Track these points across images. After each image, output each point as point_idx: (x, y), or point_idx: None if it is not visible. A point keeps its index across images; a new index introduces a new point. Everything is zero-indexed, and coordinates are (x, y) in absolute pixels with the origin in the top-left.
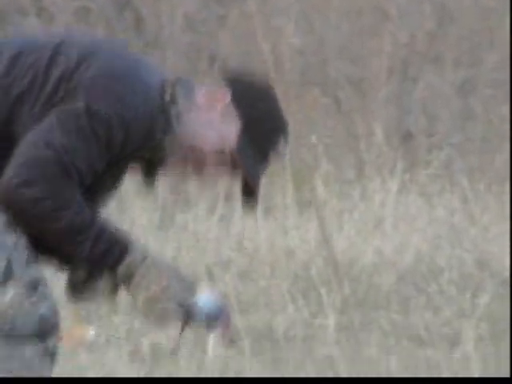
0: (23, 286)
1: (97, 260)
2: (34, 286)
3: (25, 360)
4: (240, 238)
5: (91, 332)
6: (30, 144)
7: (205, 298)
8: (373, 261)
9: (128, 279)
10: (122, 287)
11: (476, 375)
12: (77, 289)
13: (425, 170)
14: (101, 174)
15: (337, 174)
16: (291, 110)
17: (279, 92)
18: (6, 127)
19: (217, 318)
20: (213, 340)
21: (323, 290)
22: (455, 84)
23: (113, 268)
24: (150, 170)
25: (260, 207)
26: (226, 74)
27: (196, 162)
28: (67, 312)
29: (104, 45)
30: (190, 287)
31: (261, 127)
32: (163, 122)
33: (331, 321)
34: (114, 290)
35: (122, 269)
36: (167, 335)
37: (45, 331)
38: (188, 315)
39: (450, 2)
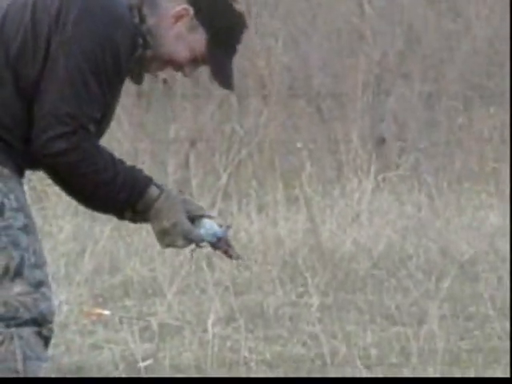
0: (29, 284)
1: (122, 201)
2: (38, 286)
3: (22, 339)
4: (236, 229)
5: (107, 312)
6: (49, 117)
7: (208, 225)
8: (351, 249)
9: (145, 213)
10: (140, 218)
11: (440, 349)
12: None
13: (395, 172)
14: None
15: (319, 174)
16: (280, 118)
17: (270, 103)
18: (16, 85)
19: (216, 242)
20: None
21: (308, 275)
22: (422, 96)
23: (134, 205)
24: (138, 76)
25: (253, 203)
26: None
27: (174, 67)
28: (88, 296)
29: None
30: (197, 219)
31: (224, 30)
32: (140, 38)
33: (315, 301)
34: (134, 219)
35: (140, 205)
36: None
37: (41, 323)
38: (193, 243)
39: (417, 24)
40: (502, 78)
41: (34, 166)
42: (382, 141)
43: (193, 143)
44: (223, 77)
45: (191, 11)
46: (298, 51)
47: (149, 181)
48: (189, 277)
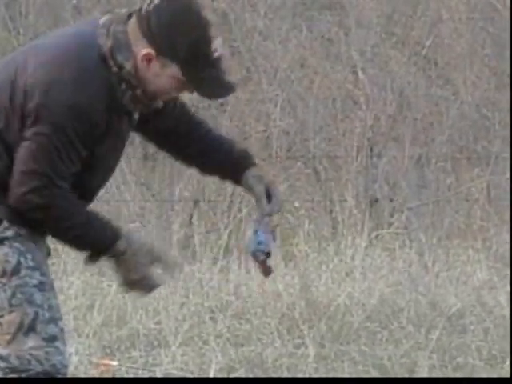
0: (42, 338)
1: (88, 250)
2: (51, 340)
3: None
4: (237, 284)
5: (115, 363)
6: (21, 174)
7: (261, 233)
8: (345, 303)
9: (114, 262)
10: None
11: None
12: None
13: (388, 229)
14: (96, 151)
15: (316, 232)
16: (278, 180)
17: (269, 165)
18: (9, 156)
19: (254, 254)
20: None
21: (305, 327)
22: (412, 159)
23: (101, 254)
24: (146, 106)
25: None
26: (145, 30)
27: (173, 95)
28: (96, 347)
29: (37, 52)
30: (165, 269)
31: (190, 54)
32: (123, 84)
33: (311, 352)
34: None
35: (109, 254)
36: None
37: (53, 375)
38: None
39: (407, 91)
40: (489, 142)
41: None
42: (375, 200)
43: (196, 203)
44: (213, 90)
45: (153, 53)
46: (296, 116)
47: (117, 236)
48: (192, 329)
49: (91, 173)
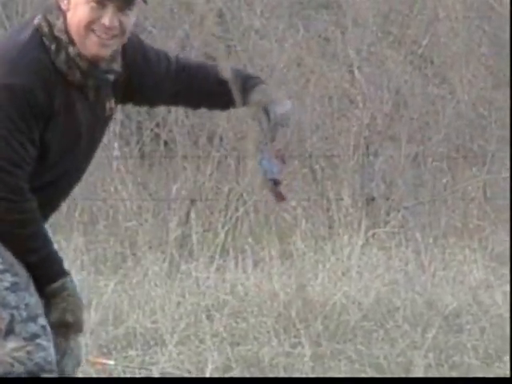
0: (22, 338)
1: (42, 265)
2: (33, 338)
3: None
4: (233, 283)
5: (111, 362)
6: None
7: (265, 162)
8: (342, 302)
9: (53, 299)
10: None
11: None
12: None
13: (384, 228)
14: (46, 137)
15: (312, 231)
16: None
17: None
18: None
19: (264, 184)
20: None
21: (301, 326)
22: (408, 157)
23: (51, 279)
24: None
25: (250, 259)
26: None
27: (100, 37)
28: (93, 346)
29: None
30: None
31: None
32: (53, 45)
33: (308, 351)
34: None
35: (49, 288)
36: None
37: (37, 374)
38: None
39: (404, 89)
40: (485, 140)
41: None
42: (371, 199)
43: (193, 202)
44: None
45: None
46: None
47: (65, 271)
48: (188, 328)
49: (52, 165)
